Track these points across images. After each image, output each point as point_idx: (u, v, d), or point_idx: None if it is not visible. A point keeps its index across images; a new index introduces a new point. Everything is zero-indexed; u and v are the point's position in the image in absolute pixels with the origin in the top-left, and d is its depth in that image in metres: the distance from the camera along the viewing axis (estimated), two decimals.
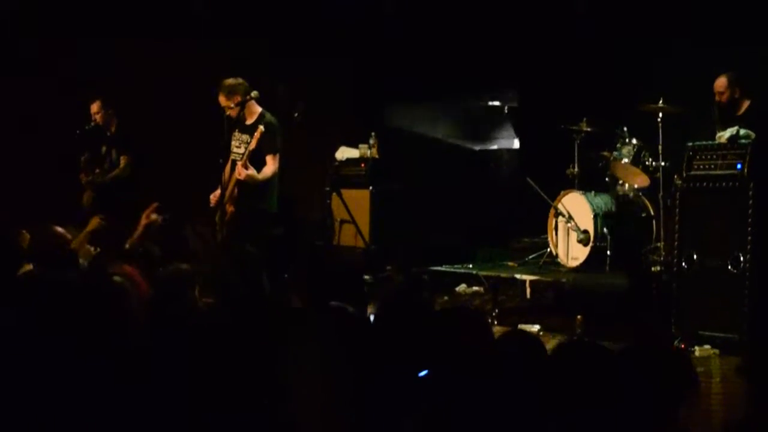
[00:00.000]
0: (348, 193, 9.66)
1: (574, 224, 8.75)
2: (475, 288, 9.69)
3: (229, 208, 7.66)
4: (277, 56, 10.40)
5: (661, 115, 8.24)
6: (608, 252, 8.52)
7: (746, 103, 7.93)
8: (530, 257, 9.33)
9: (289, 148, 8.03)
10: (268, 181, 7.70)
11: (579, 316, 7.83)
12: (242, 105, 7.67)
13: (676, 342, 7.07)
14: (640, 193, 8.93)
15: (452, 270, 9.39)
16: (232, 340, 3.51)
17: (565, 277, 8.59)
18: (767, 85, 7.98)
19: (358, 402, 3.08)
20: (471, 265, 9.49)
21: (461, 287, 9.81)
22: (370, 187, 10.14)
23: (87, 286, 4.13)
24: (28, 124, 9.81)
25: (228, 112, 7.66)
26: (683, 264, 7.22)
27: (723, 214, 7.06)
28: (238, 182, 7.64)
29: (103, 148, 9.11)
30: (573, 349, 2.94)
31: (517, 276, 8.83)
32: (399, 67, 10.97)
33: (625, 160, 8.79)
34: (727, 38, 8.71)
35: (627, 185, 9.05)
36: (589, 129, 9.18)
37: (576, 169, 9.24)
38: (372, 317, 3.88)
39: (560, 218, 8.89)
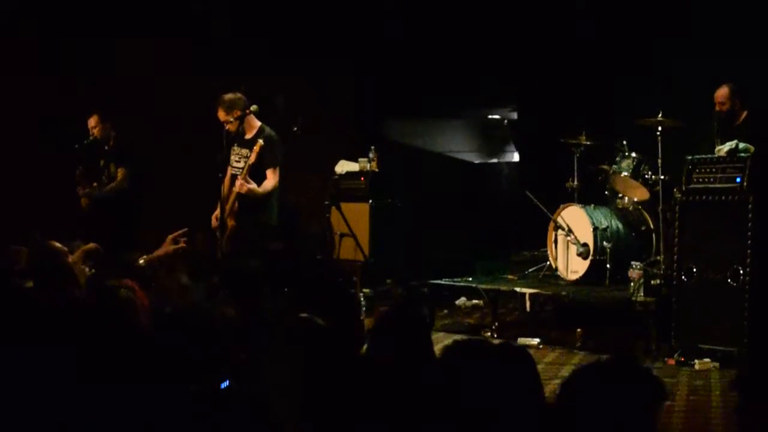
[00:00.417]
0: (347, 207, 9.64)
1: (573, 237, 8.75)
2: (475, 301, 9.70)
3: (230, 223, 7.67)
4: (276, 59, 10.42)
5: (660, 128, 8.24)
6: (608, 265, 8.51)
7: (744, 114, 7.96)
8: (530, 270, 9.33)
9: (289, 161, 8.04)
10: (268, 194, 7.71)
11: (579, 330, 7.83)
12: (241, 119, 7.68)
13: (675, 355, 7.06)
14: (640, 207, 8.93)
15: (452, 283, 9.39)
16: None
17: (564, 290, 8.58)
18: (765, 96, 7.99)
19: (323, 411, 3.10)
20: (471, 279, 9.49)
21: (461, 300, 9.82)
22: (370, 201, 10.15)
23: (94, 301, 4.13)
24: (27, 125, 9.80)
25: (227, 127, 7.67)
26: (683, 277, 7.22)
27: (722, 228, 7.06)
28: (239, 196, 7.65)
29: (101, 162, 9.11)
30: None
31: (517, 289, 8.83)
32: (399, 81, 11.00)
33: (625, 173, 8.79)
34: (726, 51, 8.73)
35: (626, 198, 9.05)
36: (588, 142, 9.18)
37: (575, 183, 9.24)
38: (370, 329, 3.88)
39: (560, 231, 8.89)
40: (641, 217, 8.89)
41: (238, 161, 7.78)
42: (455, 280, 9.42)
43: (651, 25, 9.54)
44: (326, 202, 9.61)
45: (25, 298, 4.61)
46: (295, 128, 8.63)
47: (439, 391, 2.86)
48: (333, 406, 3.12)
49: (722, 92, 7.95)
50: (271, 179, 7.70)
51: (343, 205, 9.56)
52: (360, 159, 10.44)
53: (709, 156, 7.35)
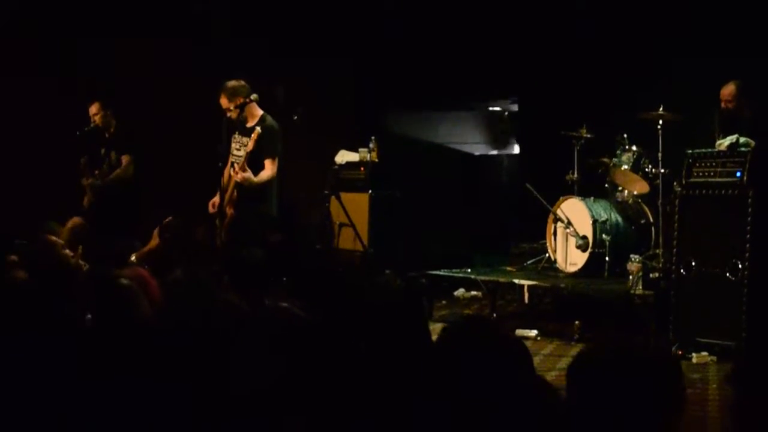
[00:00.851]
0: (347, 197, 9.65)
1: (573, 230, 8.75)
2: (474, 292, 9.72)
3: (229, 211, 7.66)
4: (276, 58, 10.41)
5: (661, 122, 8.25)
6: (607, 258, 8.52)
7: (748, 111, 7.95)
8: (529, 262, 9.34)
9: (289, 151, 8.04)
10: (266, 184, 7.69)
11: (577, 322, 7.84)
12: (242, 107, 7.67)
13: (673, 348, 7.08)
14: (640, 200, 8.94)
15: (451, 274, 9.40)
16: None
17: (563, 282, 8.59)
18: (766, 94, 7.99)
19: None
20: (469, 270, 9.51)
21: (460, 292, 9.83)
22: (370, 191, 10.15)
23: (94, 290, 4.13)
24: (27, 125, 9.81)
25: (229, 114, 7.66)
26: (682, 271, 7.23)
27: (722, 222, 7.07)
28: (237, 185, 7.64)
29: (102, 150, 9.11)
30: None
31: (516, 281, 8.84)
32: (399, 72, 10.99)
33: (625, 166, 8.80)
34: (728, 46, 8.73)
35: (626, 192, 9.06)
36: (589, 135, 9.19)
37: (575, 175, 9.24)
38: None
39: (559, 224, 8.90)
40: (641, 211, 8.90)
41: (239, 149, 7.77)
42: (454, 271, 9.43)
43: (652, 19, 9.53)
44: (326, 192, 9.62)
45: (21, 290, 4.61)
46: (296, 118, 8.63)
47: (435, 380, 2.87)
48: (320, 398, 3.12)
49: (729, 90, 7.92)
50: (269, 169, 7.68)
51: (343, 196, 9.57)
52: (360, 149, 10.43)
53: (710, 150, 7.35)
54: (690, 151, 7.33)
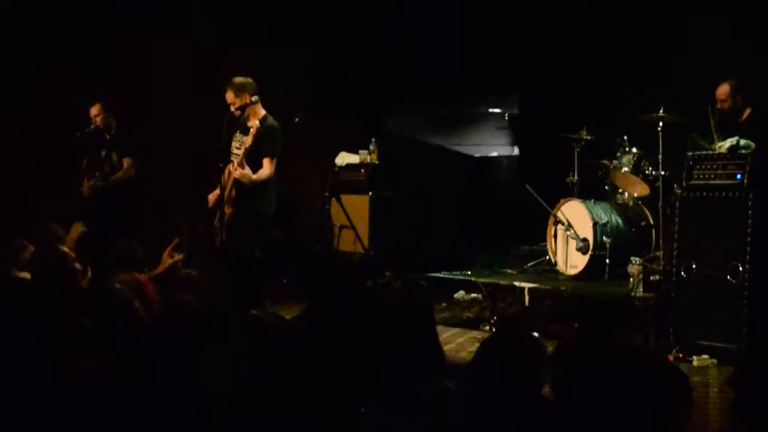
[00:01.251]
0: (347, 199, 9.66)
1: (573, 232, 8.75)
2: (474, 295, 9.70)
3: (228, 210, 7.64)
4: (277, 60, 10.40)
5: (661, 124, 8.25)
6: (607, 261, 8.52)
7: (748, 111, 7.94)
8: (529, 265, 9.33)
9: (290, 153, 8.02)
10: (262, 183, 7.65)
11: (576, 324, 7.83)
12: (243, 108, 7.64)
13: (674, 351, 7.07)
14: (640, 202, 8.94)
15: (451, 276, 9.39)
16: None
17: (563, 284, 8.58)
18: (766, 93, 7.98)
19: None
20: (470, 272, 9.50)
21: (460, 294, 9.82)
22: (370, 193, 10.15)
23: (91, 296, 4.14)
24: (27, 126, 9.81)
25: (233, 110, 7.63)
26: (682, 273, 7.22)
27: (722, 224, 7.05)
28: (236, 183, 7.61)
29: (103, 152, 9.10)
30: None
31: (516, 283, 8.82)
32: (400, 74, 10.99)
33: (625, 168, 8.80)
34: (728, 47, 8.72)
35: (627, 194, 9.06)
36: (589, 137, 9.19)
37: (576, 178, 9.24)
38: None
39: (560, 226, 8.90)
40: (641, 213, 8.90)
41: (239, 149, 7.75)
42: (454, 273, 9.42)
43: (652, 20, 9.53)
44: (326, 194, 9.62)
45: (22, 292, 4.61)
46: (296, 120, 8.63)
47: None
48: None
49: (723, 90, 7.92)
50: (267, 168, 7.64)
51: (343, 197, 9.58)
52: (360, 151, 10.44)
53: (710, 152, 7.34)
54: (690, 154, 7.33)
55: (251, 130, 7.53)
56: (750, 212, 6.85)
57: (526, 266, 9.34)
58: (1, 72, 9.72)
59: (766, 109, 7.86)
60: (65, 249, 5.37)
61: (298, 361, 3.33)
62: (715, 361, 6.91)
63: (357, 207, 9.85)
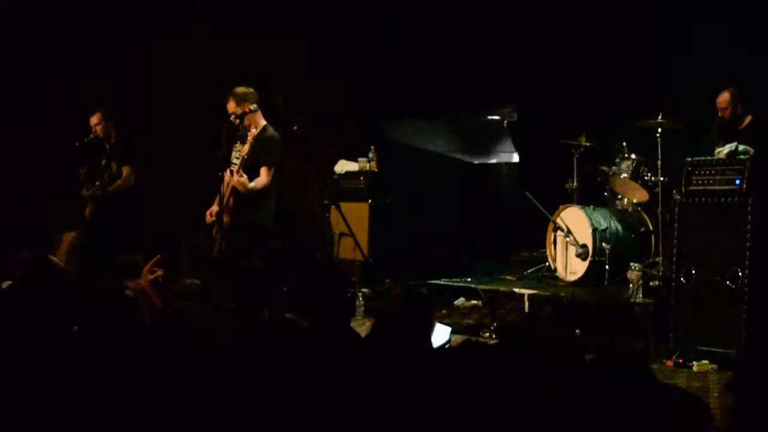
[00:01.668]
0: (347, 207, 9.66)
1: (572, 238, 8.76)
2: (474, 301, 9.70)
3: (226, 218, 7.64)
4: (276, 67, 10.41)
5: (660, 130, 8.26)
6: (607, 266, 8.52)
7: (748, 118, 7.96)
8: (529, 271, 9.33)
9: (289, 160, 8.03)
10: (261, 193, 7.65)
11: (577, 330, 7.82)
12: (242, 117, 7.65)
13: (674, 357, 7.07)
14: (639, 208, 8.94)
15: (451, 283, 9.40)
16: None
17: (563, 291, 8.59)
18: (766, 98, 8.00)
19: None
20: (469, 279, 9.50)
21: (460, 301, 9.82)
22: (369, 201, 10.15)
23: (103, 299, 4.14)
24: (28, 125, 9.81)
25: (233, 119, 7.63)
26: (681, 279, 7.23)
27: (721, 230, 7.06)
28: (234, 192, 7.61)
29: (103, 161, 9.11)
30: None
31: (516, 290, 8.82)
32: (399, 82, 11.00)
33: (624, 174, 8.80)
34: (727, 53, 8.73)
35: (626, 200, 9.06)
36: (588, 144, 9.20)
37: (575, 184, 9.25)
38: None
39: (559, 232, 8.90)
40: (640, 219, 8.90)
41: (238, 158, 7.75)
42: (454, 280, 9.42)
43: (652, 26, 9.54)
44: (326, 202, 9.62)
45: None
46: (295, 127, 8.64)
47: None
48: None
49: (723, 98, 7.95)
50: (264, 177, 7.64)
51: (343, 205, 9.58)
52: (360, 159, 10.45)
53: (709, 158, 7.35)
54: (689, 159, 7.33)
55: (248, 138, 7.54)
56: (749, 217, 6.86)
57: (525, 273, 9.35)
58: (1, 72, 9.72)
59: (765, 114, 7.87)
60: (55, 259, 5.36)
61: (318, 364, 3.34)
62: (715, 366, 6.91)
63: (356, 214, 9.86)
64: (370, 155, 10.41)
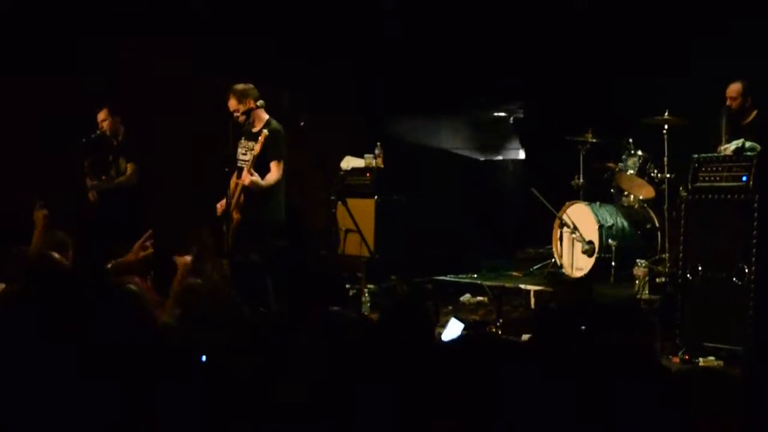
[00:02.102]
0: (353, 203, 9.66)
1: (579, 235, 8.75)
2: (480, 298, 9.69)
3: (236, 215, 7.66)
4: (281, 64, 10.41)
5: (666, 126, 8.24)
6: (613, 263, 8.52)
7: (754, 113, 7.96)
8: (535, 267, 9.33)
9: (295, 157, 8.03)
10: (272, 188, 7.67)
11: (582, 327, 7.81)
12: (248, 113, 7.66)
13: (680, 353, 7.06)
14: (645, 205, 8.94)
15: (457, 280, 9.40)
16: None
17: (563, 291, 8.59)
18: None
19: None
20: (475, 275, 9.50)
21: (466, 297, 9.81)
22: (375, 197, 10.15)
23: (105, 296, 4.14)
24: (28, 127, 9.81)
25: (236, 116, 7.65)
26: (688, 275, 7.22)
27: (728, 226, 7.05)
28: (244, 189, 7.63)
29: (110, 157, 9.09)
30: None
31: (522, 286, 8.83)
32: (404, 78, 10.99)
33: (631, 171, 8.80)
34: (733, 50, 8.72)
35: (632, 196, 9.06)
36: (594, 140, 9.19)
37: (581, 180, 9.24)
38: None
39: (565, 229, 8.89)
40: (647, 215, 8.90)
41: (245, 154, 7.76)
42: (460, 276, 9.43)
43: (658, 22, 9.53)
44: (332, 198, 9.62)
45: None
46: (302, 123, 8.64)
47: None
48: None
49: (735, 87, 7.94)
50: (275, 172, 7.66)
51: (349, 201, 9.58)
52: (366, 155, 10.45)
53: (716, 155, 7.34)
54: (696, 156, 7.32)
55: (260, 137, 7.54)
56: (755, 214, 6.85)
57: (531, 269, 9.34)
58: (1, 72, 9.72)
59: None
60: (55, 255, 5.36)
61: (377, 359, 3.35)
62: (721, 363, 6.90)
63: (363, 211, 9.85)
64: (377, 152, 10.41)
